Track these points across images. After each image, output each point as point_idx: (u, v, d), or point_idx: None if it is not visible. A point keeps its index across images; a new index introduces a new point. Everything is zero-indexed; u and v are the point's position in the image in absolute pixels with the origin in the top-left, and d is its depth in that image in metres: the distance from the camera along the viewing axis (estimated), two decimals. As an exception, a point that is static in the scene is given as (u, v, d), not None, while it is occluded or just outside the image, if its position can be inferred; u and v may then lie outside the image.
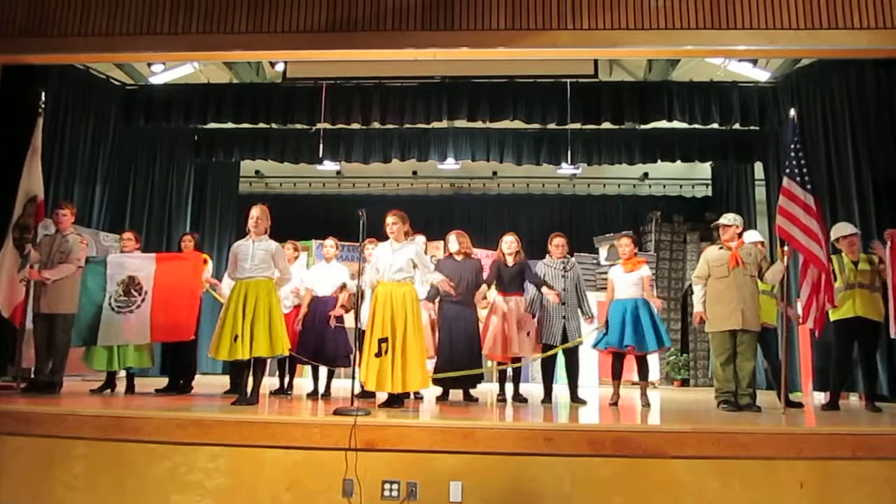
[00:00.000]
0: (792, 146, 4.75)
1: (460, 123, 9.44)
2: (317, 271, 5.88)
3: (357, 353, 4.75)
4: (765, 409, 4.80)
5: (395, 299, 4.50)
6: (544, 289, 5.29)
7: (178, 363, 5.81)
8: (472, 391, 5.48)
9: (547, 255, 5.61)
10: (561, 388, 5.93)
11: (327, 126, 8.96)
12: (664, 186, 11.33)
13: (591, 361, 7.84)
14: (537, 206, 11.51)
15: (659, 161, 9.83)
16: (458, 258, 5.45)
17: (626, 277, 5.43)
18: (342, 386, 5.96)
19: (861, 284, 5.13)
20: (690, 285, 5.37)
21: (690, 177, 11.22)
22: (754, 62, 8.02)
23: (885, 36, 4.75)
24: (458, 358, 5.23)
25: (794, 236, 4.60)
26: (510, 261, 5.53)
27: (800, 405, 5.49)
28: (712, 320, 4.93)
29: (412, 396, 5.25)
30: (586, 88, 8.35)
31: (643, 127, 9.31)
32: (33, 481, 3.55)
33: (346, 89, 8.52)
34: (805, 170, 4.67)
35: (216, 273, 6.47)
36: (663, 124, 8.99)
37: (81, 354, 5.50)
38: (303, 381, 6.81)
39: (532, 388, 6.58)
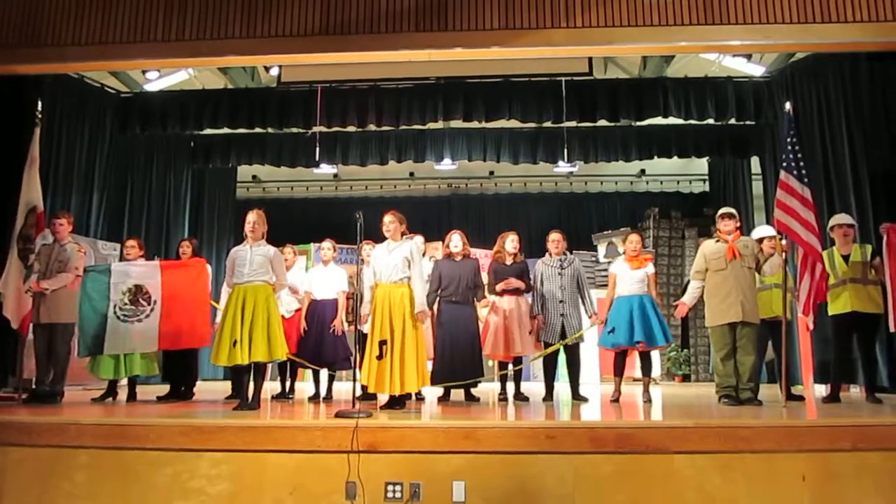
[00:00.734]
0: (788, 139, 4.77)
1: (456, 124, 9.44)
2: (315, 274, 5.88)
3: (357, 355, 4.76)
4: (766, 403, 4.80)
5: (392, 301, 4.51)
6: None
7: (179, 370, 5.81)
8: (473, 391, 5.49)
9: (546, 253, 5.62)
10: (562, 386, 5.93)
11: (323, 129, 8.96)
12: (661, 183, 11.34)
13: (592, 358, 7.84)
14: (535, 204, 11.51)
15: (655, 157, 9.83)
16: (458, 258, 5.46)
17: (633, 274, 5.40)
18: (344, 389, 5.96)
19: (853, 279, 5.12)
20: (689, 281, 5.36)
21: (687, 172, 11.24)
22: (749, 57, 8.03)
23: (878, 29, 4.76)
24: (459, 358, 5.23)
25: (793, 229, 4.62)
26: (508, 260, 5.54)
27: (801, 398, 5.50)
28: (711, 314, 4.93)
29: (414, 398, 5.26)
30: (581, 86, 8.36)
31: (639, 123, 9.32)
32: (36, 492, 3.55)
33: (342, 92, 8.52)
34: (802, 163, 4.69)
35: (215, 278, 6.46)
36: (659, 121, 9.00)
37: (87, 364, 5.48)
38: (304, 385, 6.81)
39: (533, 387, 6.59)
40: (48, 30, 5.11)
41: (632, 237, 5.57)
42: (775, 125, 8.22)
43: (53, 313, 5.11)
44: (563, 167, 10.03)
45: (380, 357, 4.41)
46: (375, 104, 8.48)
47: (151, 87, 8.93)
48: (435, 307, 5.39)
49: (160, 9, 5.05)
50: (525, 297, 5.57)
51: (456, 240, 5.48)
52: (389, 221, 4.69)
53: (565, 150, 9.28)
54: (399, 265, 4.58)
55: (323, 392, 5.77)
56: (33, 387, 5.25)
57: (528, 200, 11.57)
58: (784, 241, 4.92)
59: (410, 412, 4.47)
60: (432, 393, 5.64)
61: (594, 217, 11.28)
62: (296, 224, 9.79)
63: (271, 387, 5.73)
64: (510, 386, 5.68)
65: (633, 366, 5.73)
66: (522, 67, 7.85)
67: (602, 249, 10.09)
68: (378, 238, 4.91)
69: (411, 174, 11.38)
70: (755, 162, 9.68)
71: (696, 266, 5.11)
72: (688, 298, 5.19)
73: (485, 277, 5.60)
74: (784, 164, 4.77)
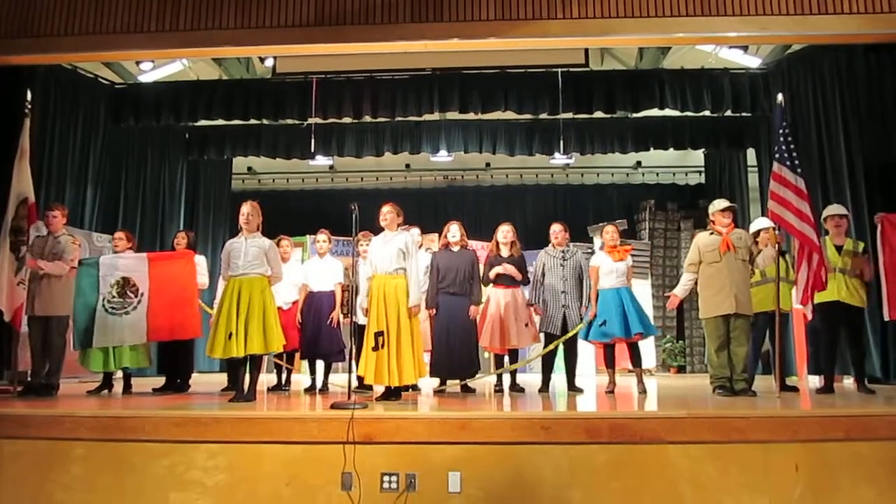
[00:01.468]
0: (781, 130, 4.77)
1: (452, 115, 9.41)
2: (311, 267, 5.88)
3: (354, 347, 4.76)
4: (760, 394, 4.83)
5: (387, 293, 4.52)
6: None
7: (174, 362, 5.81)
8: (469, 382, 5.50)
9: (549, 245, 5.62)
10: (558, 378, 5.95)
11: (318, 121, 8.93)
12: (657, 175, 11.35)
13: (588, 350, 7.87)
14: (531, 196, 11.51)
15: (651, 149, 9.84)
16: (455, 249, 5.46)
17: (616, 266, 5.41)
18: (341, 380, 5.97)
19: (842, 270, 5.14)
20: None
21: (683, 164, 11.24)
22: (745, 49, 8.03)
23: (875, 20, 4.76)
24: (456, 350, 5.25)
25: (787, 220, 4.62)
26: (504, 251, 5.54)
27: (796, 389, 5.53)
28: (705, 306, 4.95)
29: (410, 389, 5.27)
30: (577, 78, 8.35)
31: (635, 115, 9.31)
32: (32, 484, 3.55)
33: (337, 83, 8.49)
34: (795, 153, 4.69)
35: (211, 270, 6.45)
36: (655, 112, 9.00)
37: (77, 357, 5.49)
38: (301, 377, 6.82)
39: (529, 378, 6.61)
40: (42, 20, 5.07)
41: (608, 228, 5.58)
42: (771, 117, 8.23)
43: (48, 306, 5.09)
44: (559, 159, 10.03)
45: (376, 348, 4.42)
46: (371, 95, 8.45)
47: (146, 79, 8.88)
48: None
49: (154, -1, 5.02)
50: (521, 289, 5.57)
51: (455, 230, 5.49)
52: (387, 212, 4.70)
53: (561, 142, 9.27)
54: (393, 256, 4.58)
55: (319, 384, 5.78)
56: (29, 379, 5.25)
57: (524, 192, 11.56)
58: (778, 233, 4.94)
59: (406, 403, 4.48)
60: (428, 384, 5.65)
61: (590, 209, 11.27)
62: (292, 216, 9.75)
63: (267, 379, 5.74)
64: (506, 377, 5.70)
65: (625, 357, 5.75)
66: (519, 59, 7.83)
67: (598, 241, 10.05)
68: (374, 230, 4.91)
69: (407, 166, 11.36)
70: (751, 154, 9.70)
71: (690, 258, 5.12)
72: (680, 290, 5.20)
73: (481, 270, 5.61)
74: (777, 154, 4.77)
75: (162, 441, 3.53)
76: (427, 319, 5.42)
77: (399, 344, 4.45)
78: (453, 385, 5.50)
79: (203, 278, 5.77)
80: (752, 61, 8.39)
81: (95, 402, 4.64)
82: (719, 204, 5.10)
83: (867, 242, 5.45)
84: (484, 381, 6.16)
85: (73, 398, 4.98)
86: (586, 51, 7.69)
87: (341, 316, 5.66)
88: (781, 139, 4.75)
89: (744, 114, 8.75)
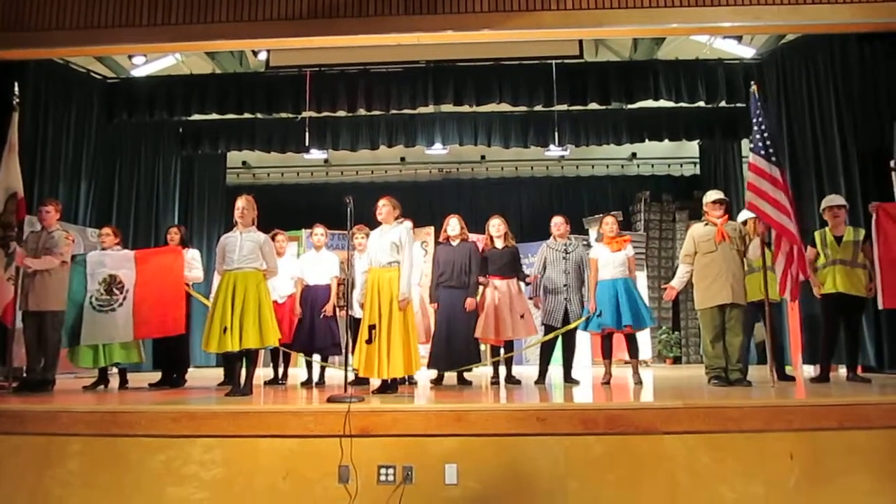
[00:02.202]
0: (755, 120, 4.75)
1: (447, 108, 9.40)
2: (307, 260, 5.87)
3: (350, 340, 4.77)
4: (755, 384, 4.85)
5: (381, 286, 4.53)
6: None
7: (170, 357, 5.80)
8: (466, 374, 5.51)
9: (550, 237, 5.63)
10: (554, 369, 5.97)
11: (313, 114, 8.90)
12: (652, 166, 11.36)
13: (584, 342, 7.89)
14: (527, 188, 11.52)
15: (646, 140, 9.84)
16: (454, 242, 5.46)
17: (614, 257, 5.41)
18: (337, 374, 5.98)
19: (841, 261, 5.14)
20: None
21: (678, 156, 11.25)
22: (739, 39, 8.02)
23: (868, 9, 4.76)
24: (458, 342, 5.26)
25: (764, 211, 4.60)
26: (499, 244, 5.55)
27: (792, 379, 5.56)
28: (701, 297, 4.96)
29: (406, 381, 5.28)
30: (572, 69, 8.33)
31: (630, 107, 9.31)
32: (30, 480, 3.54)
33: (331, 76, 8.46)
34: (769, 142, 4.67)
35: (206, 265, 6.43)
36: (650, 103, 8.99)
37: (66, 353, 5.46)
38: (297, 371, 6.82)
39: (525, 370, 6.62)
40: (33, 14, 5.03)
41: (607, 219, 5.57)
42: (766, 107, 8.22)
43: (42, 301, 5.07)
44: (554, 151, 10.03)
45: (369, 341, 4.43)
46: (365, 88, 8.42)
47: (138, 73, 8.83)
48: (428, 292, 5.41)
49: (145, -8, 4.98)
50: (517, 280, 5.57)
51: (454, 224, 5.49)
52: (383, 205, 4.71)
53: (556, 134, 9.27)
54: (387, 249, 4.59)
55: (315, 377, 5.78)
56: (24, 375, 5.23)
57: (519, 184, 11.57)
58: (759, 223, 4.95)
59: (403, 396, 4.49)
60: (425, 377, 5.66)
61: (586, 201, 11.29)
62: (286, 210, 9.72)
63: (264, 373, 5.74)
64: (502, 369, 5.71)
65: (622, 348, 5.76)
66: (513, 51, 7.81)
67: (593, 233, 10.10)
68: (370, 223, 4.91)
69: (402, 159, 11.34)
70: (745, 144, 9.70)
71: (686, 249, 5.12)
72: (676, 282, 5.22)
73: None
74: (751, 145, 4.76)
75: (158, 436, 3.53)
76: (422, 313, 5.42)
77: (390, 337, 4.45)
78: (450, 377, 5.51)
79: (198, 272, 5.75)
80: (746, 51, 8.39)
81: (91, 398, 4.64)
82: (711, 195, 5.11)
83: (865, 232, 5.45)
84: (480, 374, 6.16)
85: (69, 393, 4.97)
86: (580, 42, 7.67)
87: (337, 309, 5.65)
88: (756, 129, 4.73)
89: (738, 104, 8.73)
